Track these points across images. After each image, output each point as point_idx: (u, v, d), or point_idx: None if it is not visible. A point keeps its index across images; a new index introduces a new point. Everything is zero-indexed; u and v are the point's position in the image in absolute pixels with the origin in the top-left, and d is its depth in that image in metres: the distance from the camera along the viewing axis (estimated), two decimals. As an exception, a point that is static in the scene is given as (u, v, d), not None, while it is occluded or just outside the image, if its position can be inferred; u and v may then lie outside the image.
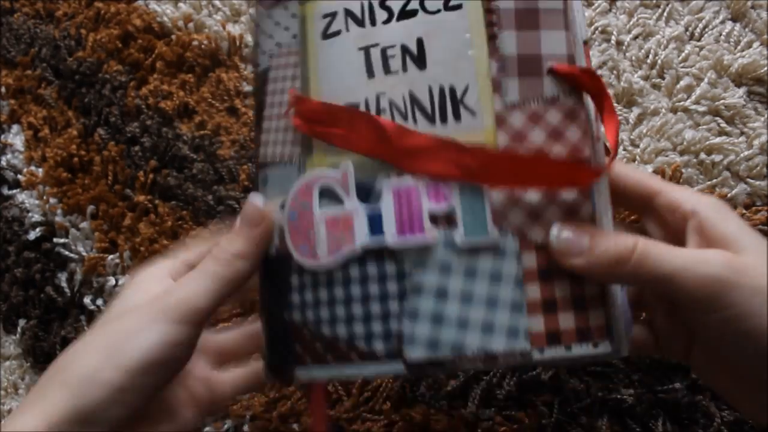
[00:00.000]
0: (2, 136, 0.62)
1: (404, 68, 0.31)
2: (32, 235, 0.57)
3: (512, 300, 0.28)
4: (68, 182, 0.58)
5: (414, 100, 0.30)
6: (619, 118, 0.50)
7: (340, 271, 0.30)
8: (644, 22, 0.51)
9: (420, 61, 0.31)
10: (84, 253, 0.55)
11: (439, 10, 0.31)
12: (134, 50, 0.60)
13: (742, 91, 0.48)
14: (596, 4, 0.53)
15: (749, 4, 0.50)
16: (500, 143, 0.29)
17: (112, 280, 0.54)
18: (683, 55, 0.50)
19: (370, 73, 0.31)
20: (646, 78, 0.50)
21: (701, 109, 0.49)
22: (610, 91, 0.50)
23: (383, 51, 0.31)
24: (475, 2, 0.30)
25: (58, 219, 0.57)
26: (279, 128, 0.33)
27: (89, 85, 0.60)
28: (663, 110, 0.49)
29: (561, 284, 0.28)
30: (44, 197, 0.58)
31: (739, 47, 0.50)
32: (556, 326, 0.28)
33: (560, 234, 0.28)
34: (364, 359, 0.29)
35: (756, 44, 0.49)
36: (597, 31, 0.52)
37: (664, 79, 0.50)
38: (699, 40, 0.51)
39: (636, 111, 0.49)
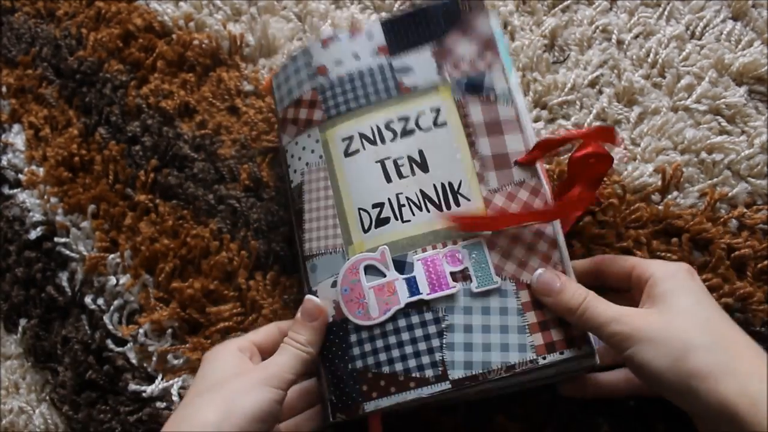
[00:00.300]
0: (3, 136, 0.62)
1: (413, 173, 0.43)
2: (33, 235, 0.57)
3: (518, 325, 0.40)
4: (69, 181, 0.58)
5: (425, 195, 0.42)
6: (620, 117, 0.50)
7: (390, 323, 0.41)
8: (645, 21, 0.51)
9: (423, 166, 0.43)
10: (85, 253, 0.55)
11: (430, 128, 0.43)
12: (135, 49, 0.60)
13: (742, 90, 0.48)
14: (597, 3, 0.53)
15: (750, 3, 0.50)
16: None
17: (113, 280, 0.54)
18: (684, 54, 0.50)
19: (388, 179, 0.43)
20: (646, 77, 0.50)
21: (702, 108, 0.48)
22: (611, 90, 0.50)
23: (395, 162, 0.43)
24: (455, 120, 0.43)
25: (58, 218, 0.57)
26: (320, 227, 0.44)
27: (90, 85, 0.60)
28: (664, 109, 0.49)
29: (549, 310, 0.40)
30: (45, 196, 0.58)
31: (739, 46, 0.50)
32: (551, 339, 0.39)
33: (539, 276, 0.40)
34: (419, 385, 0.39)
35: (757, 43, 0.49)
36: (598, 30, 0.52)
37: (664, 78, 0.50)
38: (700, 39, 0.51)
39: (637, 110, 0.49)
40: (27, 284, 0.57)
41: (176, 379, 0.50)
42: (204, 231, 0.53)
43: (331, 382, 0.41)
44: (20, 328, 0.56)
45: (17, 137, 0.61)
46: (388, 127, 0.44)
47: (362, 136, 0.44)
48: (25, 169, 0.60)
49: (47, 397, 0.54)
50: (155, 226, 0.54)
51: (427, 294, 0.40)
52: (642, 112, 0.49)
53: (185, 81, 0.58)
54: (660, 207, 0.47)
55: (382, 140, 0.44)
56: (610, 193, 0.47)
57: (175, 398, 0.50)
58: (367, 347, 0.41)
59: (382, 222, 0.42)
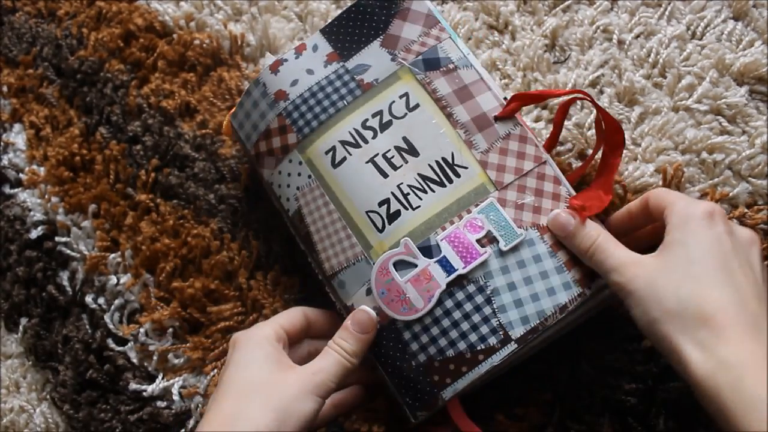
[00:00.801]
0: (4, 135, 0.62)
1: (405, 161, 0.43)
2: (34, 234, 0.57)
3: (555, 266, 0.41)
4: (70, 181, 0.58)
5: (424, 178, 0.43)
6: (621, 117, 0.50)
7: (438, 308, 0.41)
8: (646, 21, 0.51)
9: (413, 151, 0.44)
10: (85, 252, 0.55)
11: (405, 114, 0.44)
12: (136, 49, 0.60)
13: (743, 90, 0.48)
14: (598, 3, 0.53)
15: (751, 3, 0.50)
16: (491, 177, 0.43)
17: (113, 279, 0.54)
18: (685, 54, 0.50)
19: (384, 174, 0.43)
20: (647, 77, 0.50)
21: (703, 108, 0.48)
22: (612, 90, 0.50)
23: (384, 156, 0.44)
24: (426, 99, 0.44)
25: (59, 218, 0.57)
26: (334, 243, 0.44)
27: (91, 84, 0.60)
28: (665, 109, 0.49)
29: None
30: (46, 196, 0.58)
31: (740, 46, 0.50)
32: (587, 269, 0.40)
33: (551, 220, 0.41)
34: (488, 355, 0.40)
35: (758, 43, 0.49)
36: (599, 30, 0.52)
37: (665, 78, 0.50)
38: (701, 39, 0.51)
39: (638, 110, 0.49)
40: (28, 283, 0.57)
41: (177, 379, 0.50)
42: (205, 230, 0.53)
43: (400, 385, 0.41)
44: (21, 327, 0.56)
45: (18, 137, 0.62)
46: (365, 126, 0.44)
47: (344, 143, 0.44)
48: (26, 169, 0.60)
49: (48, 396, 0.54)
50: (156, 226, 0.54)
51: (463, 268, 0.41)
52: (643, 112, 0.49)
53: (186, 81, 0.58)
54: (661, 207, 0.47)
55: (365, 140, 0.44)
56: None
57: (175, 397, 0.50)
58: (424, 338, 0.41)
59: (394, 216, 0.43)
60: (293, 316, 0.43)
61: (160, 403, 0.50)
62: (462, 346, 0.40)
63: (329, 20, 0.49)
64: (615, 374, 0.44)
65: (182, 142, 0.56)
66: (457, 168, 0.43)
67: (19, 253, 0.57)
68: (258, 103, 0.47)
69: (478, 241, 0.41)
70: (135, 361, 0.52)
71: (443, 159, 0.43)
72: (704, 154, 0.47)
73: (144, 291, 0.53)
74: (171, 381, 0.50)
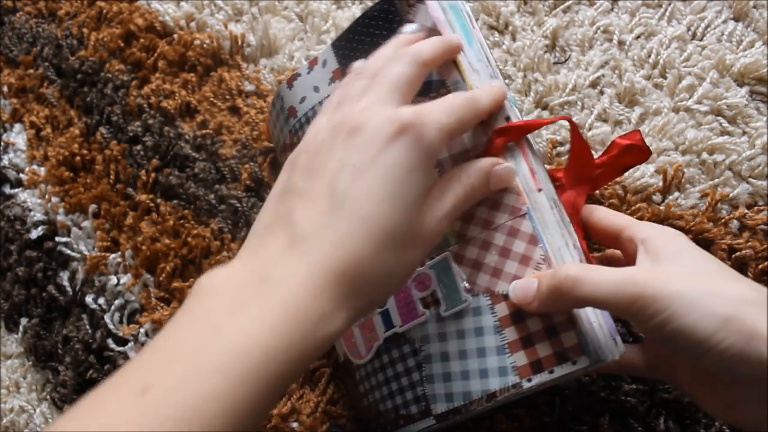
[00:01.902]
0: (4, 135, 0.62)
1: None
2: (34, 234, 0.57)
3: (497, 346, 0.35)
4: (70, 181, 0.58)
5: None
6: (621, 117, 0.50)
7: (377, 360, 0.39)
8: (646, 22, 0.51)
9: None
10: (86, 252, 0.55)
11: None
12: (136, 49, 0.60)
13: (744, 90, 0.48)
14: (598, 4, 0.53)
15: (751, 3, 0.50)
16: (455, 228, 0.36)
17: (113, 279, 0.54)
18: (685, 54, 0.50)
19: None
20: (648, 77, 0.50)
21: (703, 108, 0.48)
22: (612, 91, 0.50)
23: None
24: None
25: (60, 218, 0.57)
26: None
27: (91, 85, 0.60)
28: (665, 110, 0.49)
29: (532, 320, 0.34)
30: (46, 196, 0.58)
31: (741, 47, 0.50)
32: (536, 356, 0.33)
33: (514, 290, 0.34)
34: (407, 422, 0.38)
35: (758, 44, 0.49)
36: (599, 31, 0.52)
37: (666, 78, 0.50)
38: (701, 39, 0.51)
39: (638, 111, 0.49)
40: (28, 284, 0.57)
41: (177, 379, 0.51)
42: (205, 231, 0.53)
43: (359, 416, 0.42)
44: (21, 328, 0.56)
45: (18, 137, 0.62)
46: None
47: None
48: (27, 169, 0.60)
49: (48, 397, 0.54)
50: (156, 226, 0.54)
51: (400, 326, 0.38)
52: (643, 112, 0.49)
53: (186, 81, 0.58)
54: (661, 207, 0.47)
55: None
56: (611, 193, 0.47)
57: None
58: (367, 385, 0.40)
59: None
60: None
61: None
62: (389, 404, 0.39)
63: (342, 30, 0.45)
64: (615, 375, 0.44)
65: (182, 142, 0.56)
66: None
67: (19, 253, 0.57)
68: (279, 116, 0.46)
69: (422, 299, 0.37)
70: (135, 361, 0.52)
71: None
72: (704, 155, 0.47)
73: (144, 291, 0.53)
74: (171, 381, 0.50)
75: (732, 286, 0.29)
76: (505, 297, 0.35)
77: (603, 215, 0.37)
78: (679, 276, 0.30)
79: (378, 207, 0.29)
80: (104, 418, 0.23)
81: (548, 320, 0.34)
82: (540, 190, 0.35)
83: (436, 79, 0.38)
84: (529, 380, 0.34)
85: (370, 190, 0.29)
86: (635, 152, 0.38)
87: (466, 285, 0.36)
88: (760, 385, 0.28)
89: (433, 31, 0.38)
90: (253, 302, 0.27)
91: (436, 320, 0.37)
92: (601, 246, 0.46)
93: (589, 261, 0.35)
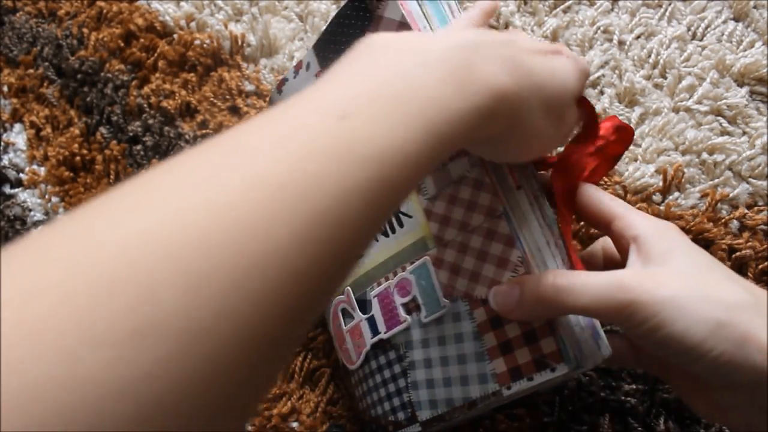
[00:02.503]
0: (5, 135, 0.62)
1: None
2: (34, 234, 0.57)
3: (475, 352, 0.34)
4: (70, 181, 0.58)
5: None
6: (621, 117, 0.50)
7: (366, 367, 0.39)
8: (646, 22, 0.51)
9: None
10: (86, 252, 0.56)
11: None
12: (136, 49, 0.60)
13: (744, 90, 0.48)
14: (598, 4, 0.53)
15: (751, 3, 0.50)
16: (433, 231, 0.35)
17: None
18: (685, 54, 0.50)
19: None
20: (648, 78, 0.50)
21: (703, 108, 0.48)
22: (612, 91, 0.50)
23: None
24: None
25: (60, 218, 0.57)
26: None
27: (91, 84, 0.60)
28: (665, 110, 0.49)
29: (510, 326, 0.33)
30: (46, 196, 0.58)
31: (741, 47, 0.50)
32: (515, 363, 0.32)
33: (494, 296, 0.32)
34: (396, 428, 0.37)
35: (758, 44, 0.49)
36: (599, 31, 0.52)
37: (666, 78, 0.50)
38: (701, 39, 0.51)
39: (638, 111, 0.49)
40: (28, 284, 0.57)
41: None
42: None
43: (356, 417, 0.42)
44: (21, 328, 0.56)
45: (19, 137, 0.62)
46: None
47: None
48: (27, 169, 0.60)
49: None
50: (156, 226, 0.54)
51: (385, 332, 0.38)
52: (643, 112, 0.49)
53: (186, 81, 0.58)
54: (661, 207, 0.47)
55: None
56: (611, 193, 0.47)
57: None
58: (359, 391, 0.41)
59: None
60: None
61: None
62: (379, 410, 0.39)
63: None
64: (615, 374, 0.44)
65: (183, 142, 0.56)
66: (402, 216, 0.37)
67: (19, 253, 0.57)
68: None
69: (404, 305, 0.37)
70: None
71: None
72: (704, 155, 0.47)
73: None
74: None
75: (725, 289, 0.29)
76: (484, 302, 0.34)
77: (595, 198, 0.34)
78: (670, 279, 0.29)
79: None
80: (305, 135, 0.21)
81: (527, 326, 0.32)
82: (519, 187, 0.34)
83: None
84: (509, 387, 0.33)
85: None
86: (622, 135, 0.36)
87: (443, 290, 0.35)
88: (753, 390, 0.28)
89: (402, 25, 0.36)
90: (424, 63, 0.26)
91: (418, 326, 0.36)
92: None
93: (572, 261, 0.33)
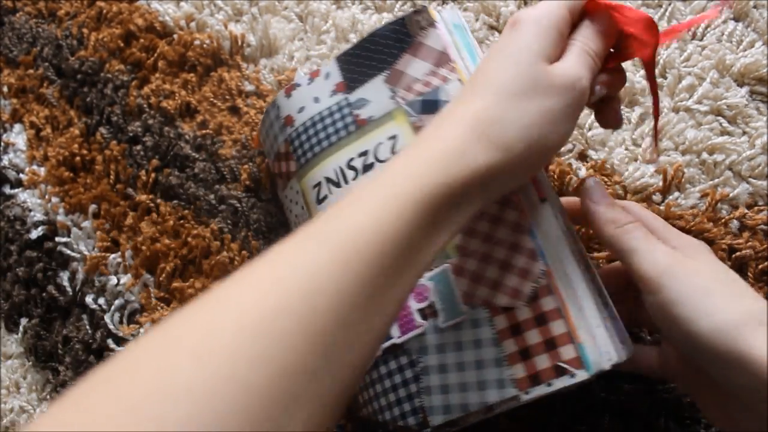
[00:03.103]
0: (4, 136, 0.62)
1: None
2: (34, 234, 0.57)
3: (494, 358, 0.35)
4: (70, 181, 0.58)
5: None
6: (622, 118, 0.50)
7: (375, 371, 0.39)
8: (646, 22, 0.51)
9: None
10: (86, 252, 0.55)
11: (388, 158, 0.40)
12: (136, 49, 0.60)
13: (744, 90, 0.48)
14: (598, 4, 0.52)
15: (751, 3, 0.50)
16: (455, 241, 0.37)
17: (113, 279, 0.54)
18: (685, 54, 0.50)
19: None
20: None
21: (703, 108, 0.48)
22: (612, 91, 0.50)
23: None
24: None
25: (59, 218, 0.57)
26: None
27: (91, 85, 0.60)
28: (665, 110, 0.49)
29: (531, 333, 0.35)
30: (46, 196, 0.58)
31: (741, 47, 0.49)
32: (535, 369, 0.34)
33: (593, 185, 0.36)
34: None
35: (758, 44, 0.49)
36: (599, 31, 0.52)
37: (666, 78, 0.50)
38: (701, 39, 0.50)
39: (638, 111, 0.49)
40: (28, 284, 0.57)
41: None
42: (205, 231, 0.53)
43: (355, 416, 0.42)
44: (21, 328, 0.56)
45: (18, 137, 0.62)
46: (349, 166, 0.41)
47: (328, 180, 0.42)
48: (27, 169, 0.60)
49: (48, 397, 0.54)
50: (156, 226, 0.54)
51: (398, 337, 0.38)
52: (643, 112, 0.49)
53: (186, 81, 0.58)
54: (661, 207, 0.47)
55: (345, 181, 0.41)
56: (611, 193, 0.47)
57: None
58: (366, 395, 0.40)
59: None
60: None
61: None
62: (387, 416, 0.38)
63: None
64: (615, 374, 0.44)
65: (182, 142, 0.56)
66: None
67: (19, 253, 0.57)
68: (273, 124, 0.46)
69: (420, 310, 0.38)
70: (135, 361, 0.52)
71: None
72: (704, 155, 0.47)
73: (144, 291, 0.53)
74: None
75: (744, 299, 0.30)
76: (505, 310, 0.35)
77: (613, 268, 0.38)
78: (698, 270, 0.31)
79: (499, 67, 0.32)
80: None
81: (547, 333, 0.34)
82: (544, 199, 0.36)
83: (443, 99, 0.39)
84: (527, 393, 0.34)
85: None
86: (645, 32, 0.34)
87: (462, 297, 0.37)
88: (755, 400, 0.29)
89: (443, 54, 0.40)
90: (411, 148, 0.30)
91: (434, 332, 0.37)
92: (600, 247, 0.46)
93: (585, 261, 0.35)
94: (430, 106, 0.39)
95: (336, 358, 0.24)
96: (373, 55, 0.42)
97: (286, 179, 0.45)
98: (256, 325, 0.23)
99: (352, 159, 0.41)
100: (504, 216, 0.36)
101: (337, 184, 0.41)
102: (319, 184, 0.42)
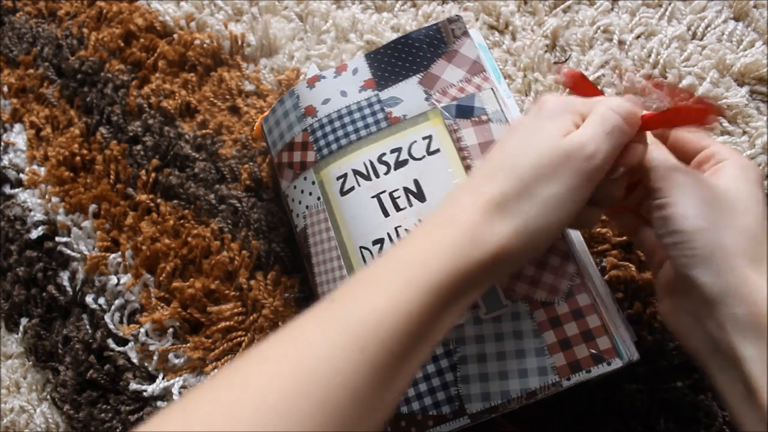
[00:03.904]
0: (5, 135, 0.62)
1: (410, 204, 0.41)
2: (34, 234, 0.57)
3: (535, 347, 0.38)
4: (70, 181, 0.58)
5: None
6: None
7: None
8: (646, 22, 0.51)
9: (420, 196, 0.41)
10: (86, 252, 0.55)
11: (423, 156, 0.42)
12: (136, 49, 0.60)
13: (744, 90, 0.48)
14: (598, 4, 0.52)
15: (751, 3, 0.50)
16: None
17: (114, 279, 0.54)
18: (685, 54, 0.50)
19: (385, 213, 0.42)
20: (648, 77, 0.50)
21: (703, 108, 0.48)
22: (612, 91, 0.50)
23: (391, 195, 0.42)
24: (449, 146, 0.42)
25: (60, 218, 0.57)
26: (328, 270, 0.44)
27: (91, 85, 0.60)
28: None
29: (569, 326, 0.38)
30: (46, 196, 0.58)
31: (741, 47, 0.49)
32: (575, 357, 0.38)
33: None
34: (437, 423, 0.39)
35: (758, 44, 0.49)
36: (599, 31, 0.52)
37: (666, 78, 0.50)
38: (701, 39, 0.51)
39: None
40: (28, 283, 0.57)
41: (177, 379, 0.50)
42: (205, 231, 0.53)
43: None
44: (21, 328, 0.56)
45: (18, 137, 0.62)
46: (380, 160, 0.43)
47: (356, 172, 0.43)
48: (27, 169, 0.60)
49: (48, 397, 0.54)
50: (156, 226, 0.54)
51: None
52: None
53: (186, 81, 0.58)
54: (661, 207, 0.47)
55: (376, 174, 0.42)
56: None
57: (176, 397, 0.50)
58: None
59: None
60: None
61: (161, 403, 0.50)
62: (416, 406, 0.39)
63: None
64: (615, 375, 0.44)
65: (182, 142, 0.56)
66: None
67: (19, 253, 0.57)
68: (289, 113, 0.46)
69: None
70: (135, 361, 0.52)
71: None
72: (705, 155, 0.47)
73: (144, 291, 0.53)
74: (171, 381, 0.50)
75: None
76: (544, 304, 0.39)
77: (691, 139, 0.37)
78: (711, 184, 0.33)
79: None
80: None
81: (584, 326, 0.38)
82: None
83: (478, 106, 0.42)
84: (569, 379, 0.38)
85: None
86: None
87: (503, 292, 0.39)
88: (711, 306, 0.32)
89: (476, 64, 0.43)
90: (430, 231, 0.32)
91: (473, 323, 0.39)
92: (606, 251, 0.46)
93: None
94: (465, 111, 0.42)
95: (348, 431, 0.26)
96: (406, 57, 0.44)
97: (300, 169, 0.45)
98: (279, 408, 0.25)
99: (383, 154, 0.43)
100: None
101: (367, 177, 0.43)
102: (344, 176, 0.43)
